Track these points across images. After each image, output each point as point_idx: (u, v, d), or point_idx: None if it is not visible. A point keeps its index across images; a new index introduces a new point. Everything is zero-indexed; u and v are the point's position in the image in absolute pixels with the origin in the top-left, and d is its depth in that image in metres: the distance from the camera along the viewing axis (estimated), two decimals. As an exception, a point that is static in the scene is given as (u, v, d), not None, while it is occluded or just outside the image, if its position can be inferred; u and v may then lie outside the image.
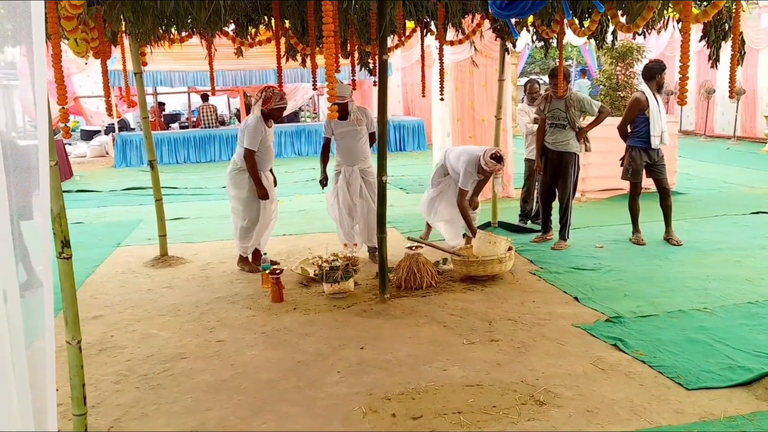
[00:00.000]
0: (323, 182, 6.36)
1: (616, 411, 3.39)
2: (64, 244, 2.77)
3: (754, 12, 13.77)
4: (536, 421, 3.32)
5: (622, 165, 6.66)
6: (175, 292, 5.66)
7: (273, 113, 5.88)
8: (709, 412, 3.34)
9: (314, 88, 5.85)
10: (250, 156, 5.81)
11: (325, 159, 6.39)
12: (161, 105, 19.17)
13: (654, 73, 6.37)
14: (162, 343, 4.54)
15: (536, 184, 7.80)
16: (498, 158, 5.84)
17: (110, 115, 5.44)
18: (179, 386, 3.87)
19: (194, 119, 17.73)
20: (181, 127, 17.50)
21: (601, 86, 10.03)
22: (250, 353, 4.33)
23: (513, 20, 6.15)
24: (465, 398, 3.58)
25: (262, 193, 5.90)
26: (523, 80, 24.20)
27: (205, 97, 16.59)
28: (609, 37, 5.92)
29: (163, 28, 5.45)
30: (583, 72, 19.51)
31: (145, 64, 6.25)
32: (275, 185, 6.23)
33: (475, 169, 5.95)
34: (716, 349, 4.05)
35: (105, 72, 4.95)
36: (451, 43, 7.07)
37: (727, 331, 4.32)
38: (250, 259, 6.14)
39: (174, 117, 19.82)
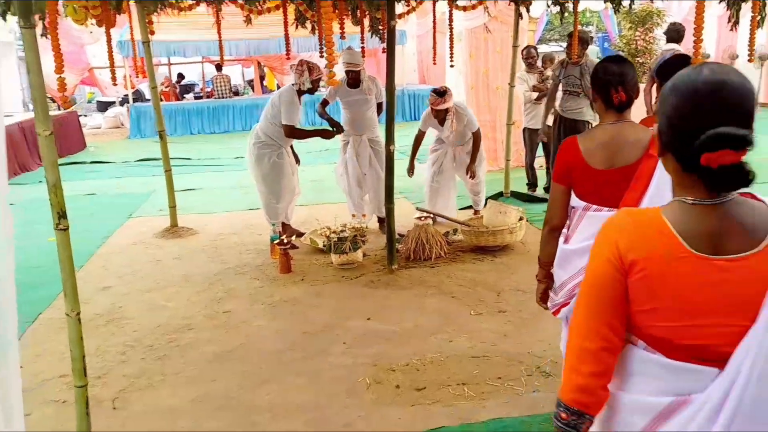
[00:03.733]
0: (332, 125, 6.00)
1: (624, 383, 3.33)
2: (60, 215, 2.74)
3: None
4: (541, 392, 3.28)
5: None
6: (185, 263, 5.67)
7: (314, 85, 5.67)
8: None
9: (321, 56, 5.72)
10: (291, 132, 5.65)
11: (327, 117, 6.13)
12: (180, 76, 19.07)
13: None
14: (169, 313, 4.55)
15: (536, 153, 7.64)
16: (438, 92, 5.76)
17: (114, 84, 5.34)
18: (184, 357, 3.88)
19: (208, 90, 17.65)
20: (196, 98, 17.45)
21: (620, 52, 9.77)
22: (257, 324, 4.32)
23: None
24: (470, 369, 3.55)
25: (327, 132, 5.82)
26: (553, 47, 23.61)
27: (219, 67, 16.48)
28: (626, 2, 5.72)
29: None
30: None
31: (152, 33, 6.17)
32: (298, 163, 6.15)
33: (430, 114, 5.95)
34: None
35: (109, 40, 4.89)
36: (465, 8, 6.90)
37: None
38: (280, 232, 5.78)
39: (189, 87, 19.76)
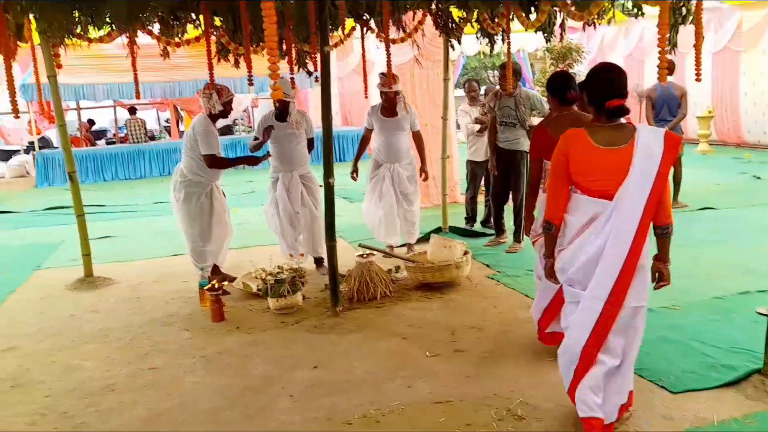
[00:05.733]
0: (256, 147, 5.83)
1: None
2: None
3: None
4: (517, 438, 2.99)
5: None
6: (102, 316, 5.09)
7: (226, 108, 5.39)
8: (700, 417, 3.08)
9: (250, 84, 5.41)
10: (213, 161, 5.29)
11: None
12: (91, 122, 18.13)
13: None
14: (86, 374, 3.99)
15: (481, 185, 7.58)
16: (386, 74, 5.83)
17: (17, 117, 4.77)
18: (106, 424, 3.36)
19: (122, 135, 16.85)
20: (108, 143, 16.60)
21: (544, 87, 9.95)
22: (190, 381, 3.84)
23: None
24: (435, 417, 3.22)
25: (254, 159, 5.57)
26: (457, 91, 24.20)
27: (132, 111, 15.78)
28: (557, 30, 5.72)
29: (78, 20, 4.90)
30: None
31: (59, 66, 5.66)
32: (224, 196, 5.74)
33: (374, 109, 6.12)
34: (693, 348, 3.83)
35: (9, 68, 4.38)
36: (393, 41, 6.75)
37: (700, 329, 4.11)
38: (210, 277, 5.33)
39: (100, 133, 18.83)
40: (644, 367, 3.59)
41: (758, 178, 9.95)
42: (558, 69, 9.82)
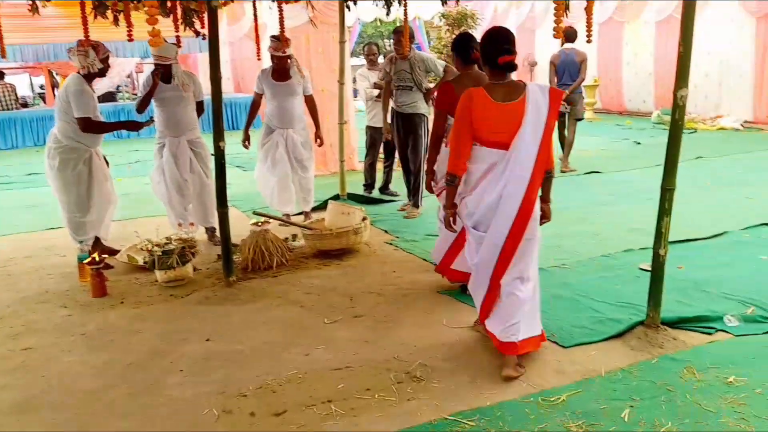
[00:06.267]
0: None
1: (498, 377, 3.12)
2: None
3: None
4: (417, 399, 2.96)
5: None
6: (-34, 295, 4.62)
7: (105, 65, 4.93)
8: (590, 369, 3.18)
9: (130, 40, 5.01)
10: (88, 125, 4.84)
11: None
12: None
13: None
14: (-53, 359, 3.59)
15: (380, 152, 7.52)
16: (278, 38, 5.76)
17: None
18: (-29, 412, 3.03)
19: (-11, 101, 15.42)
20: (-27, 111, 15.15)
21: (439, 53, 10.00)
22: (67, 360, 3.55)
23: None
24: (334, 384, 3.13)
25: (135, 124, 5.17)
26: (354, 60, 24.09)
27: (0, 75, 14.47)
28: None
29: None
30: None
31: None
32: (107, 165, 5.30)
33: (264, 73, 5.93)
34: (582, 304, 3.95)
35: None
36: (286, 1, 6.49)
37: (588, 285, 4.26)
38: (90, 251, 4.92)
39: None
40: (538, 324, 3.67)
41: (638, 143, 10.52)
42: (455, 35, 9.89)
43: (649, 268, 3.53)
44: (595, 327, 3.61)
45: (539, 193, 3.20)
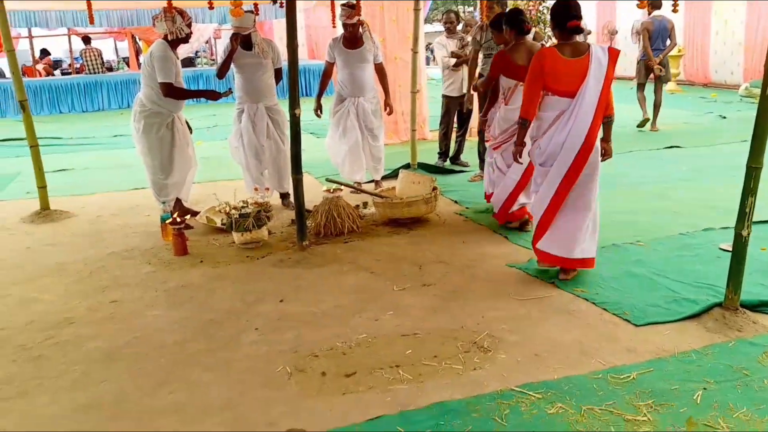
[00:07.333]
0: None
1: (567, 353, 3.11)
2: None
3: None
4: (483, 369, 2.99)
5: None
6: (60, 249, 4.94)
7: (190, 31, 5.12)
8: (662, 348, 3.12)
9: (210, 8, 5.13)
10: (169, 90, 5.03)
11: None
12: (45, 52, 17.24)
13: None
14: (44, 308, 3.87)
15: (453, 122, 7.46)
16: (350, 5, 5.81)
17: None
18: (66, 356, 3.27)
19: (78, 65, 16.15)
20: (63, 74, 15.91)
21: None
22: (151, 314, 3.76)
23: None
24: (402, 350, 3.20)
25: (214, 94, 5.33)
26: (427, 27, 23.81)
27: (87, 40, 15.08)
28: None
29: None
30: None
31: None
32: (190, 131, 5.51)
33: (336, 41, 6.04)
34: (657, 283, 3.86)
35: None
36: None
37: (664, 264, 4.15)
38: (171, 212, 5.15)
39: (56, 64, 18.02)
40: (609, 301, 3.63)
41: (724, 117, 10.03)
42: (532, 5, 9.67)
43: (730, 249, 3.41)
44: (670, 306, 3.53)
45: (600, 134, 3.80)
